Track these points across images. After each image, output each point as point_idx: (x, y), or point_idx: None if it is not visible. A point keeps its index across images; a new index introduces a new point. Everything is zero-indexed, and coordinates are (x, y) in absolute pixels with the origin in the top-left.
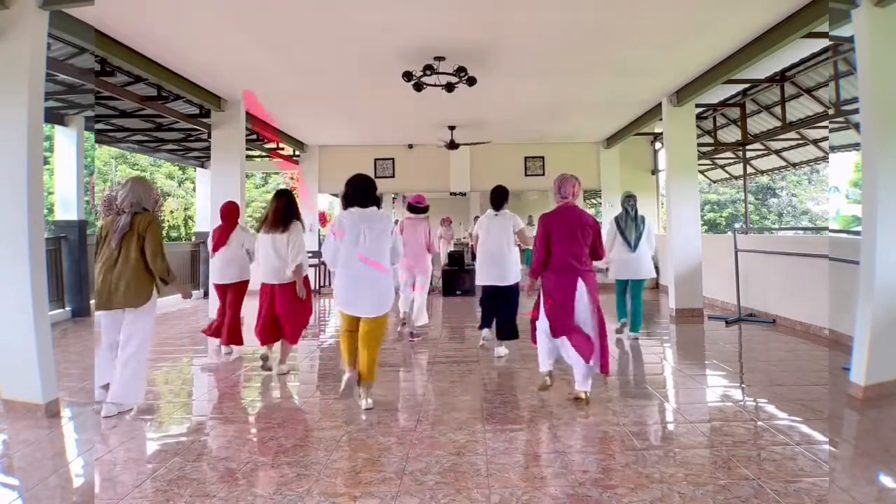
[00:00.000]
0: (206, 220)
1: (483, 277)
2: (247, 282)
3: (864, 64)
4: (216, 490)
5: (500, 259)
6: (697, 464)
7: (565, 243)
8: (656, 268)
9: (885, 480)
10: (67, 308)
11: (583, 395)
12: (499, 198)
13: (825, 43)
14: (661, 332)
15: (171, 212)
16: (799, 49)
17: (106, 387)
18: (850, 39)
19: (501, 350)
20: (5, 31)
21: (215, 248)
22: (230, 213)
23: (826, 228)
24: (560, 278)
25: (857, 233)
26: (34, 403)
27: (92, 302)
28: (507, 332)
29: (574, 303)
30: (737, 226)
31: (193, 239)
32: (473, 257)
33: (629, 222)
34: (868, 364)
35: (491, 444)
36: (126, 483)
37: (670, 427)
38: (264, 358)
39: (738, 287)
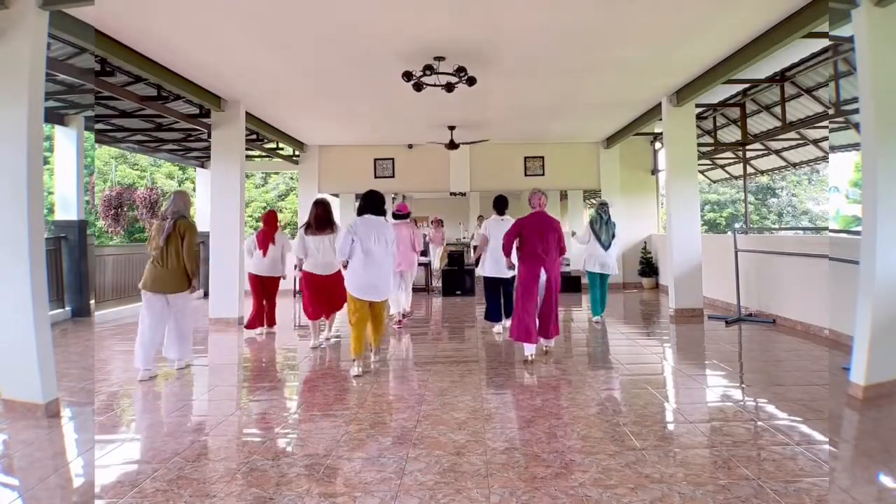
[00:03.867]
0: (206, 220)
1: (488, 270)
2: (281, 276)
3: (864, 64)
4: (216, 490)
5: (504, 257)
6: (697, 464)
7: (534, 239)
8: (655, 268)
9: (885, 480)
10: (67, 308)
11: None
12: (501, 204)
13: (825, 43)
14: (661, 332)
15: None
16: (799, 49)
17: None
18: (850, 39)
19: (508, 323)
20: (5, 31)
21: (264, 248)
22: (272, 219)
23: (826, 228)
24: (528, 265)
25: (857, 233)
26: (34, 403)
27: (92, 302)
28: (510, 310)
29: (538, 283)
30: (737, 226)
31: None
32: (477, 261)
33: (602, 226)
34: (868, 364)
35: (491, 444)
36: (126, 483)
37: (670, 427)
38: (320, 338)
39: (738, 287)
